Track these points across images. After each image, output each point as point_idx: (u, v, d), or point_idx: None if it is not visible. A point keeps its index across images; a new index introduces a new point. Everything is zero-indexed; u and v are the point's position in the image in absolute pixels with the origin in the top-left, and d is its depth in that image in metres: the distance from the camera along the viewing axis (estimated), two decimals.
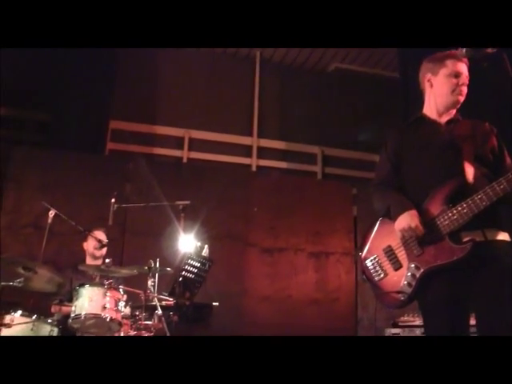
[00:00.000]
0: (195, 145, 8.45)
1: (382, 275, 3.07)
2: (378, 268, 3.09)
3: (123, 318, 4.54)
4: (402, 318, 4.95)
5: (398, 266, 3.01)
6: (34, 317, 4.50)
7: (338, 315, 7.23)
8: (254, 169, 8.56)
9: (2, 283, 4.49)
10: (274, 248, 7.26)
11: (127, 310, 4.65)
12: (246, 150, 8.70)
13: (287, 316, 6.99)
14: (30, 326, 4.45)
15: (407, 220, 2.90)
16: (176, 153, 8.34)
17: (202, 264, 5.04)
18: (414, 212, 2.92)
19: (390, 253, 3.05)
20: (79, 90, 7.49)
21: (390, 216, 3.04)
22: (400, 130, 3.32)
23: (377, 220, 3.20)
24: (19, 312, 4.51)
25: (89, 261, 5.55)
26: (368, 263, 3.14)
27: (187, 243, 5.05)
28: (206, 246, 5.15)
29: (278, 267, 7.20)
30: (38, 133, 7.71)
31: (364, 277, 3.17)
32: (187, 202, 4.93)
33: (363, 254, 3.18)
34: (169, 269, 4.85)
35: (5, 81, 7.74)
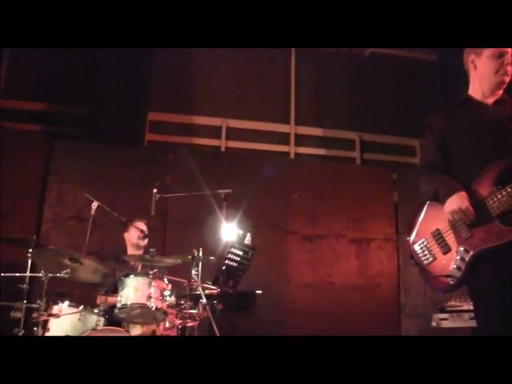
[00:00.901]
0: (233, 134, 8.44)
1: (430, 259, 3.04)
2: (426, 252, 3.06)
3: (168, 307, 4.57)
4: (449, 303, 4.90)
5: (446, 249, 2.97)
6: (81, 307, 4.57)
7: (381, 301, 7.18)
8: (292, 156, 8.52)
9: (50, 274, 4.56)
10: (314, 235, 7.23)
11: (172, 300, 4.67)
12: (283, 138, 8.66)
13: (330, 303, 6.97)
14: (78, 316, 4.52)
15: (457, 202, 2.85)
16: (214, 142, 8.35)
17: (245, 252, 5.04)
18: (463, 193, 2.88)
19: (438, 236, 3.02)
20: (117, 83, 7.56)
21: (438, 199, 3.01)
22: (445, 111, 3.26)
23: (424, 203, 3.15)
24: (66, 302, 4.59)
25: (130, 251, 5.59)
26: (416, 247, 3.11)
27: (229, 232, 5.06)
28: (249, 234, 5.14)
29: (319, 254, 7.17)
30: (77, 126, 7.80)
31: (412, 261, 3.14)
32: (229, 191, 4.93)
33: (411, 239, 3.15)
34: (212, 258, 4.85)
35: (44, 76, 7.87)
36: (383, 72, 9.16)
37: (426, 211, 3.13)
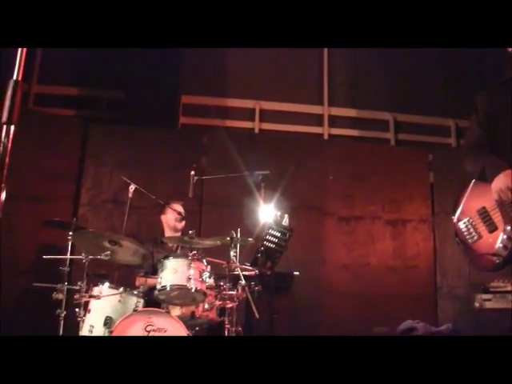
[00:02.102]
0: (266, 116, 8.41)
1: (475, 237, 3.00)
2: (471, 230, 3.02)
3: (207, 288, 4.59)
4: (492, 284, 4.83)
5: (492, 228, 2.93)
6: (121, 289, 4.62)
7: (417, 283, 7.13)
8: (325, 137, 8.46)
9: (90, 256, 4.61)
10: (350, 216, 7.20)
11: (211, 281, 4.68)
12: (317, 119, 8.60)
13: (366, 284, 6.95)
14: (118, 297, 4.57)
15: (504, 181, 2.82)
16: (247, 124, 8.32)
17: (283, 234, 5.05)
18: (510, 172, 2.83)
19: (484, 214, 2.98)
20: (151, 67, 7.59)
21: (485, 178, 2.96)
22: (490, 91, 3.22)
23: (469, 182, 3.11)
24: (106, 284, 4.65)
25: (168, 233, 5.63)
26: (461, 225, 3.07)
27: (267, 213, 5.05)
28: (286, 216, 5.15)
29: (355, 236, 7.15)
30: (112, 111, 7.85)
31: (457, 239, 3.10)
32: (267, 172, 4.92)
33: (456, 217, 3.11)
34: (250, 239, 4.85)
35: (80, 62, 7.92)
36: (417, 51, 9.02)
37: (471, 189, 3.09)
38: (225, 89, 8.38)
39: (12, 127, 1.69)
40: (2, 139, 1.66)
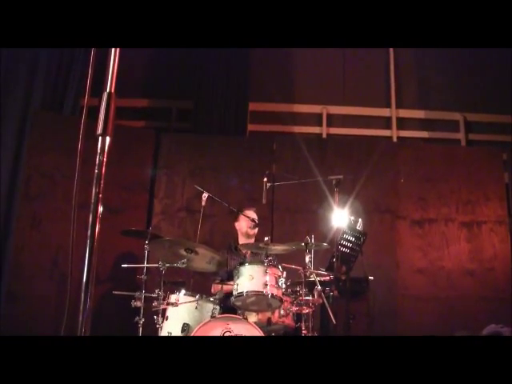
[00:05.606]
0: (333, 120, 8.37)
1: None
2: None
3: (283, 294, 4.59)
4: None
5: None
6: (197, 296, 4.67)
7: (495, 286, 6.92)
8: (394, 140, 8.35)
9: (167, 265, 4.69)
10: (424, 219, 7.04)
11: (287, 287, 4.70)
12: (385, 122, 8.50)
13: (442, 288, 6.80)
14: (194, 304, 4.63)
15: None
16: (314, 129, 8.30)
17: (357, 238, 5.01)
18: None
19: None
20: (218, 76, 7.70)
21: None
22: None
23: None
24: (183, 291, 4.72)
25: (241, 240, 5.66)
26: None
27: (340, 218, 5.02)
28: (360, 220, 5.10)
29: (429, 239, 6.99)
30: (182, 120, 7.97)
31: None
32: (340, 177, 4.88)
33: None
34: (325, 244, 4.84)
35: (149, 74, 8.11)
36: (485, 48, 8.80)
37: None
38: (291, 94, 8.39)
39: (107, 139, 1.73)
40: (98, 151, 1.70)
